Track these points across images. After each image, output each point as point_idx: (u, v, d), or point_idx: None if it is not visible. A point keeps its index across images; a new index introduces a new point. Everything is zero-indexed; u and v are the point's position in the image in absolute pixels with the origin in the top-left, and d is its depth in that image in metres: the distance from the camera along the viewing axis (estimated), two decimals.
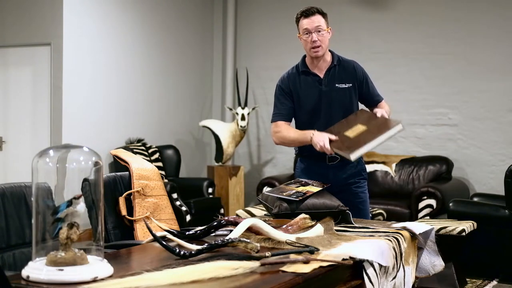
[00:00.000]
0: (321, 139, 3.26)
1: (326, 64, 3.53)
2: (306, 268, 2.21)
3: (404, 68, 7.21)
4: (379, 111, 3.44)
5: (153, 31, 7.41)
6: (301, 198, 3.09)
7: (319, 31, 3.43)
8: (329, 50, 3.56)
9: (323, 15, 3.48)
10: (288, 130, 3.53)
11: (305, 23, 3.45)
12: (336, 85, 3.50)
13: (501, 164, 6.64)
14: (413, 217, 6.06)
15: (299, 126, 3.59)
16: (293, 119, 3.62)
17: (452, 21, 6.96)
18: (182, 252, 2.34)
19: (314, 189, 3.20)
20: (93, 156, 2.16)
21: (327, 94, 3.49)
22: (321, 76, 3.52)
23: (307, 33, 3.44)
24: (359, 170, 3.55)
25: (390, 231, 2.91)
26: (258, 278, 2.12)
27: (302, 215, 2.90)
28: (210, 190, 7.03)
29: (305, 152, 3.56)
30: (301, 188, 3.21)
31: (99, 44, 6.73)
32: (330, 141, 3.26)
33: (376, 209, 5.92)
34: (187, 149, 7.88)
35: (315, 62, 3.53)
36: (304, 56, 3.60)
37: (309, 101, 3.52)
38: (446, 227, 4.72)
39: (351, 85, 3.52)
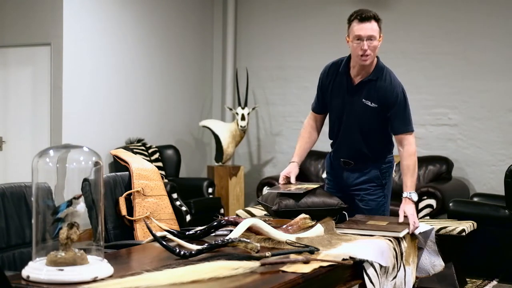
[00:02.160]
0: (283, 172, 3.39)
1: (366, 73, 3.32)
2: (306, 268, 2.21)
3: (404, 68, 7.20)
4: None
5: (153, 31, 7.41)
6: (303, 191, 3.10)
7: (371, 40, 3.19)
8: (377, 57, 3.34)
9: (378, 21, 3.23)
10: (304, 131, 3.56)
11: (358, 28, 3.21)
12: (363, 100, 3.31)
13: (501, 164, 6.64)
14: None
15: (330, 125, 3.52)
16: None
17: (452, 21, 6.96)
18: (182, 252, 2.34)
19: (313, 186, 3.21)
20: (93, 156, 2.16)
21: (350, 105, 3.35)
22: (355, 83, 3.34)
23: (358, 40, 3.20)
24: (372, 177, 3.45)
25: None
26: (258, 278, 2.12)
27: (302, 215, 2.90)
28: (210, 190, 7.02)
29: (331, 148, 3.56)
30: (300, 186, 3.22)
31: (99, 44, 6.73)
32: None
33: None
34: (187, 149, 7.88)
35: (356, 68, 3.32)
36: (349, 56, 3.38)
37: (335, 104, 3.43)
38: (446, 227, 4.72)
39: (377, 106, 3.29)
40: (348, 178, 3.47)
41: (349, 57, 3.37)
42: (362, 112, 3.33)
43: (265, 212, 3.46)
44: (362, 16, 3.21)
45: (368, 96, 3.31)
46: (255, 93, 8.02)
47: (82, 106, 6.54)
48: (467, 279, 5.03)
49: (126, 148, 6.65)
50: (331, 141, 3.55)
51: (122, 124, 7.00)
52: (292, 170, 3.40)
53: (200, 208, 6.52)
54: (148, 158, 6.74)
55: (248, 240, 2.42)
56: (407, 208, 3.17)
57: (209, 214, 6.29)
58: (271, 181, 6.92)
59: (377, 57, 3.34)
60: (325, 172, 3.68)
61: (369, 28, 3.19)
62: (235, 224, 2.62)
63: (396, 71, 8.01)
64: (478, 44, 6.83)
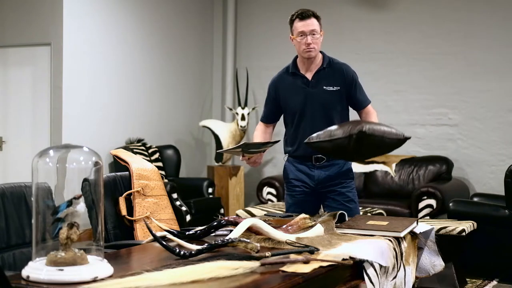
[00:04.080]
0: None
1: (316, 66, 3.57)
2: (306, 268, 2.21)
3: (404, 68, 7.21)
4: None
5: (153, 31, 7.41)
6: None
7: (314, 34, 3.47)
8: (321, 52, 3.60)
9: (318, 18, 3.53)
10: (256, 134, 3.74)
11: (300, 25, 3.49)
12: (324, 87, 3.53)
13: (501, 164, 6.64)
14: (413, 217, 6.05)
15: (287, 128, 3.69)
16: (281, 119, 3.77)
17: (452, 21, 6.96)
18: (182, 252, 2.34)
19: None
20: (93, 156, 2.16)
21: (313, 96, 3.53)
22: (309, 78, 3.56)
23: (301, 35, 3.48)
24: (345, 171, 3.59)
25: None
26: (258, 278, 2.12)
27: (302, 215, 2.91)
28: (210, 190, 7.03)
29: (292, 152, 3.64)
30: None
31: (99, 44, 6.73)
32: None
33: (376, 209, 5.92)
34: (187, 149, 7.88)
35: (306, 64, 3.57)
36: (296, 58, 3.63)
37: (295, 102, 3.58)
38: (446, 227, 4.72)
39: (339, 88, 3.54)
40: (319, 176, 3.55)
41: (295, 59, 3.63)
42: (326, 99, 3.53)
43: (265, 212, 3.47)
44: (303, 15, 3.50)
45: (328, 82, 3.54)
46: (255, 93, 8.02)
47: (82, 106, 6.54)
48: (467, 279, 5.03)
49: (126, 148, 6.65)
50: (291, 148, 3.64)
51: (122, 124, 7.00)
52: None
53: (200, 208, 6.52)
54: (148, 158, 6.74)
55: (248, 240, 2.42)
56: None
57: (209, 214, 6.29)
58: (271, 181, 6.93)
59: (321, 52, 3.59)
60: (285, 185, 3.72)
61: (310, 23, 3.48)
62: (235, 224, 2.62)
63: (396, 71, 8.01)
64: (478, 44, 6.83)
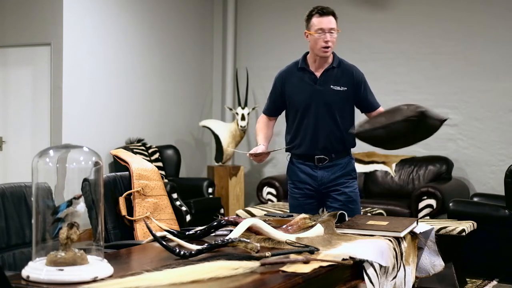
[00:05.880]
0: (252, 150, 3.58)
1: (326, 64, 3.54)
2: (306, 268, 2.21)
3: (404, 68, 7.21)
4: None
5: (153, 31, 7.41)
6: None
7: (332, 33, 3.44)
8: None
9: (336, 17, 3.50)
10: (260, 126, 3.74)
11: (320, 21, 3.44)
12: (331, 86, 3.51)
13: (501, 164, 6.64)
14: (413, 217, 6.05)
15: (289, 124, 3.66)
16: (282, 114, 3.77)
17: (452, 21, 6.96)
18: (182, 252, 2.34)
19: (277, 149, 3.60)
20: (93, 156, 2.16)
21: (319, 94, 3.51)
22: (318, 75, 3.54)
23: (320, 32, 3.43)
24: (348, 170, 3.58)
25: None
26: (258, 278, 2.12)
27: (302, 215, 2.90)
28: (210, 190, 7.03)
29: (295, 151, 3.63)
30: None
31: (99, 44, 6.73)
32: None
33: (376, 209, 5.92)
34: (187, 149, 7.88)
35: (316, 61, 3.54)
36: (306, 54, 3.60)
37: (300, 98, 3.56)
38: (446, 227, 4.72)
39: (346, 88, 3.52)
40: (323, 176, 3.54)
41: (305, 55, 3.59)
42: (332, 98, 3.51)
43: (265, 212, 3.47)
44: (323, 11, 3.46)
45: (336, 82, 3.52)
46: (255, 93, 8.02)
47: (82, 106, 6.54)
48: (467, 279, 5.03)
49: (126, 148, 6.65)
50: (291, 146, 3.64)
51: (122, 124, 7.00)
52: (259, 148, 3.62)
53: (200, 208, 6.52)
54: (148, 158, 6.74)
55: (248, 240, 2.42)
56: None
57: (209, 214, 6.29)
58: (271, 181, 6.93)
59: (332, 52, 3.57)
60: (288, 185, 3.73)
61: (332, 21, 3.46)
62: (235, 224, 2.62)
63: (396, 71, 8.02)
64: (478, 44, 6.83)
